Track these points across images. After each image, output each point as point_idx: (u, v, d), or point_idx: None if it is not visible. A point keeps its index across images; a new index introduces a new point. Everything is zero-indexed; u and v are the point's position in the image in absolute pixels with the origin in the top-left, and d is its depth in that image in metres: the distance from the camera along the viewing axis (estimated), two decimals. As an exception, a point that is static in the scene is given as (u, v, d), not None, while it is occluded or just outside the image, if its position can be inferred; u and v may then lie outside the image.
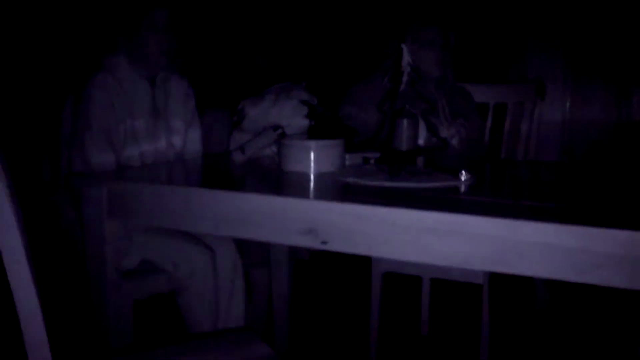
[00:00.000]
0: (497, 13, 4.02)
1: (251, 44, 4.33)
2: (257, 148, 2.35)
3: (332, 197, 1.77)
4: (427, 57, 2.94)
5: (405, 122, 1.97)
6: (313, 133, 2.34)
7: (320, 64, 4.43)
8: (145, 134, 2.60)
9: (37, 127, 2.79)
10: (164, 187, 1.88)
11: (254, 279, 2.89)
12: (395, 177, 1.87)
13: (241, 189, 1.85)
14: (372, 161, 2.12)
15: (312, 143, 2.00)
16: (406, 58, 2.03)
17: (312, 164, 1.98)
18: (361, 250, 1.55)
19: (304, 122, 2.43)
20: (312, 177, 1.96)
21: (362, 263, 2.88)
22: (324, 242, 1.53)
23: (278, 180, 2.04)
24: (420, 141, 2.32)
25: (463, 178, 1.84)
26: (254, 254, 2.86)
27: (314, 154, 1.98)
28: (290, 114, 2.44)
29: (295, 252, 3.11)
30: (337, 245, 1.53)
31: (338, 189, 1.85)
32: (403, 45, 2.04)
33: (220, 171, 2.41)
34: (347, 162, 2.11)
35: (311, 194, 1.78)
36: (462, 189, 1.80)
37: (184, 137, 2.74)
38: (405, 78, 2.02)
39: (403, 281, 3.15)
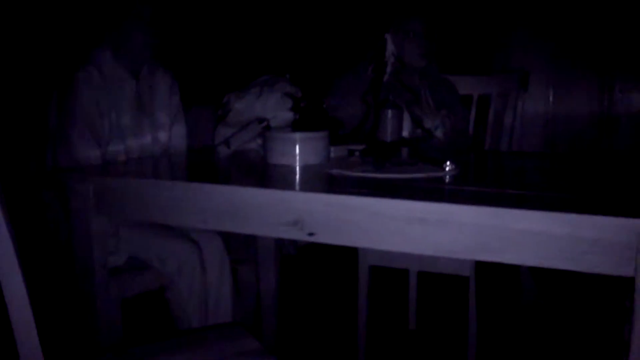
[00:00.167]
0: (482, 4, 4.02)
1: (235, 37, 4.32)
2: (242, 141, 2.34)
3: (317, 188, 1.76)
4: (411, 48, 2.93)
5: (389, 112, 1.97)
6: (298, 125, 2.33)
7: (305, 56, 4.42)
8: (131, 128, 2.60)
9: (23, 120, 2.78)
10: (150, 181, 1.88)
11: (241, 276, 2.89)
12: (380, 168, 1.87)
13: (227, 182, 1.84)
14: (357, 153, 2.12)
15: (297, 135, 1.99)
16: (390, 48, 2.03)
17: (297, 156, 1.97)
18: (347, 241, 1.55)
19: (289, 115, 2.43)
20: (297, 169, 1.95)
21: (349, 257, 2.88)
22: (310, 234, 1.53)
23: (264, 172, 2.03)
24: (405, 133, 2.32)
25: (448, 168, 1.84)
26: (240, 250, 2.85)
27: (299, 146, 1.97)
28: (274, 106, 2.43)
29: (282, 248, 3.11)
30: (324, 236, 1.53)
31: (323, 180, 1.84)
32: (387, 36, 2.04)
33: (206, 165, 2.40)
34: (332, 155, 2.11)
35: (297, 186, 1.77)
36: (447, 179, 1.80)
37: (169, 131, 2.74)
38: (389, 68, 2.02)
39: (390, 275, 3.15)
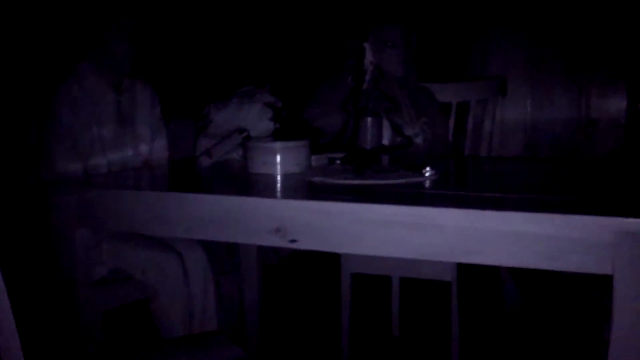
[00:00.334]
0: (458, 11, 4.06)
1: (215, 49, 4.33)
2: (223, 152, 2.35)
3: (299, 196, 1.77)
4: (389, 57, 2.95)
5: (369, 120, 1.98)
6: (278, 135, 2.34)
7: (284, 67, 4.44)
8: (112, 141, 2.60)
9: (4, 134, 2.78)
10: (133, 192, 1.89)
11: (224, 287, 2.89)
12: (360, 175, 1.89)
13: (209, 191, 1.85)
14: (337, 161, 2.13)
15: (278, 144, 2.00)
16: (369, 57, 2.04)
17: (278, 165, 1.98)
18: (329, 247, 1.56)
19: (269, 125, 2.44)
20: (278, 177, 1.96)
21: (331, 265, 2.88)
22: (292, 241, 1.54)
23: (245, 181, 2.04)
24: (385, 141, 2.34)
25: (428, 174, 1.85)
26: (223, 261, 2.86)
27: (280, 155, 1.98)
28: (255, 117, 2.44)
29: (264, 258, 3.11)
30: (306, 243, 1.54)
31: (305, 188, 1.85)
32: (365, 44, 2.06)
33: (187, 175, 2.40)
34: (313, 163, 2.12)
35: (278, 194, 1.79)
36: (428, 184, 1.82)
37: (150, 144, 2.75)
38: (368, 77, 2.03)
39: (373, 282, 3.15)
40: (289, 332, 3.56)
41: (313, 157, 2.13)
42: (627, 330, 1.26)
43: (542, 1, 3.78)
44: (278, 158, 1.98)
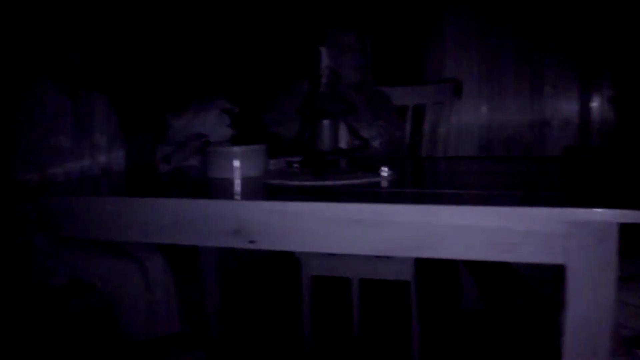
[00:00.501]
0: (414, 14, 4.10)
1: (172, 59, 4.32)
2: (182, 158, 2.36)
3: (257, 197, 1.79)
4: (346, 62, 2.98)
5: (326, 123, 2.01)
6: (236, 140, 2.36)
7: (242, 74, 4.44)
8: (70, 151, 2.60)
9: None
10: (92, 198, 1.88)
11: (185, 294, 2.90)
12: (318, 177, 1.91)
13: (168, 196, 1.85)
14: (295, 165, 2.15)
15: (236, 149, 2.02)
16: (325, 61, 2.06)
17: (236, 170, 2.00)
18: (289, 246, 1.59)
19: (227, 131, 2.45)
20: (237, 181, 1.98)
21: (291, 269, 2.90)
22: (251, 242, 1.55)
23: (204, 186, 2.05)
24: (342, 144, 2.36)
25: (385, 174, 1.88)
26: (183, 270, 2.87)
27: (238, 160, 2.00)
28: (213, 123, 2.45)
29: (223, 263, 3.12)
30: (265, 243, 1.55)
31: (263, 190, 1.87)
32: (322, 48, 2.08)
33: (146, 181, 2.39)
34: (271, 167, 2.14)
35: (237, 196, 1.80)
36: (385, 184, 1.84)
37: (107, 154, 2.75)
38: (324, 80, 2.05)
39: (332, 284, 3.18)
40: (250, 335, 3.57)
41: (271, 162, 2.15)
42: (581, 318, 1.30)
43: (495, 4, 3.84)
44: (236, 162, 2.00)
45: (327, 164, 2.00)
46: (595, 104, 3.74)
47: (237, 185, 1.93)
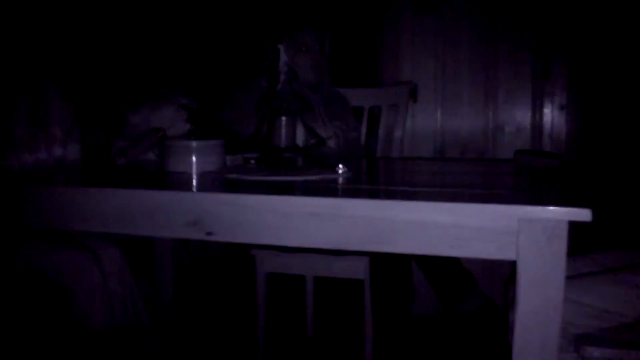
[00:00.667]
0: (370, 16, 4.13)
1: (129, 53, 4.30)
2: (139, 152, 2.36)
3: (215, 190, 1.79)
4: (303, 62, 3.00)
5: (283, 119, 2.03)
6: (194, 136, 2.36)
7: (200, 70, 4.44)
8: (24, 141, 2.58)
9: None
10: (49, 188, 1.86)
11: (139, 288, 2.89)
12: (275, 173, 1.92)
13: (127, 187, 1.85)
14: (252, 161, 2.16)
15: (195, 143, 2.02)
16: (283, 58, 2.08)
17: (193, 164, 2.00)
18: (246, 239, 1.59)
19: (184, 126, 2.46)
20: (194, 175, 1.98)
21: (246, 266, 2.91)
22: (209, 233, 1.56)
23: (162, 179, 2.04)
24: (298, 142, 2.38)
25: (340, 171, 1.90)
26: (139, 264, 2.86)
27: (196, 154, 2.00)
28: (170, 118, 2.46)
29: (177, 260, 3.12)
30: (222, 235, 1.56)
31: (221, 184, 1.87)
32: (280, 46, 2.10)
33: (103, 174, 2.38)
34: (228, 163, 2.15)
35: (195, 188, 1.80)
36: (341, 180, 1.86)
37: (63, 146, 2.73)
38: (282, 77, 2.07)
39: (288, 282, 3.19)
40: (204, 333, 3.57)
41: (228, 157, 2.15)
42: (531, 314, 1.32)
43: (453, 9, 3.88)
44: (194, 156, 2.00)
45: (284, 160, 2.02)
46: (547, 110, 3.81)
47: (195, 180, 1.93)
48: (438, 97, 3.92)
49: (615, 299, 1.94)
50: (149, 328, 2.80)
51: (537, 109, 3.84)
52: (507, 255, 1.34)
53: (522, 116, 3.85)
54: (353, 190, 1.77)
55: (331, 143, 2.89)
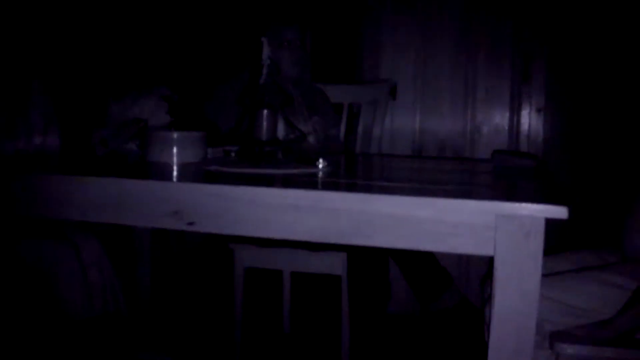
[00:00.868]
0: (351, 13, 4.14)
1: (112, 44, 4.29)
2: (120, 141, 2.36)
3: (197, 180, 1.80)
4: (284, 56, 3.01)
5: (265, 112, 2.04)
6: (175, 127, 2.37)
7: (183, 63, 4.43)
8: (3, 129, 2.57)
9: None
10: (29, 176, 1.84)
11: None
12: (256, 166, 1.93)
13: (108, 175, 1.85)
14: (233, 154, 2.17)
15: (177, 134, 2.03)
16: (266, 51, 2.09)
17: (174, 155, 2.00)
18: (226, 230, 1.59)
19: (166, 118, 2.46)
20: (175, 166, 1.99)
21: (225, 259, 2.92)
22: (190, 224, 1.56)
23: (143, 169, 2.04)
24: (279, 136, 2.39)
25: (321, 166, 1.92)
26: (117, 257, 2.87)
27: (177, 145, 2.00)
28: (151, 109, 2.46)
29: (156, 252, 3.12)
30: (203, 225, 1.57)
31: (202, 175, 1.88)
32: (263, 39, 2.11)
33: (83, 163, 2.34)
34: (209, 155, 2.15)
35: (176, 178, 1.81)
36: (321, 175, 1.88)
37: (42, 135, 2.72)
38: (265, 71, 2.08)
39: (266, 277, 3.19)
40: (181, 323, 3.57)
41: (209, 150, 2.16)
42: (507, 309, 1.34)
43: (433, 10, 3.91)
44: (175, 148, 2.00)
45: (265, 153, 2.03)
46: (525, 112, 3.84)
47: (176, 170, 1.94)
48: (417, 96, 3.94)
49: (589, 296, 1.97)
50: (128, 318, 2.81)
51: (515, 111, 3.88)
52: (484, 250, 1.35)
53: (500, 117, 3.89)
54: (333, 183, 1.79)
55: (311, 138, 2.90)
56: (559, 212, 1.29)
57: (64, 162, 2.49)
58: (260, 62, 2.10)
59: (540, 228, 1.31)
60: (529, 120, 3.85)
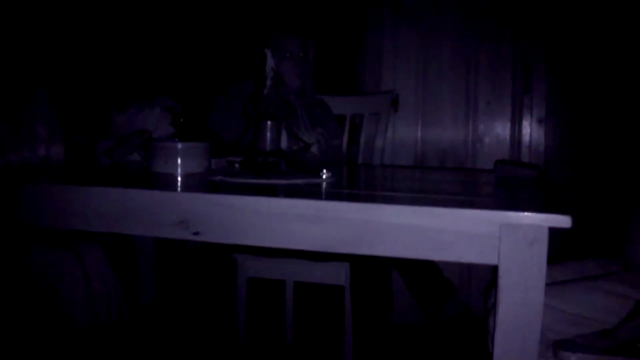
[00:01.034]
0: (352, 24, 4.15)
1: (115, 55, 4.30)
2: (124, 152, 2.37)
3: (202, 190, 1.80)
4: (287, 68, 3.02)
5: (269, 123, 2.04)
6: (179, 137, 2.38)
7: (185, 73, 4.44)
8: (8, 140, 2.59)
9: None
10: (36, 185, 1.86)
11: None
12: (260, 176, 1.94)
13: (113, 185, 1.85)
14: (236, 165, 2.18)
15: (180, 144, 2.04)
16: (270, 63, 2.10)
17: (179, 165, 2.01)
18: (232, 239, 1.60)
19: (169, 129, 2.47)
20: (180, 177, 1.99)
21: (228, 270, 2.92)
22: (195, 233, 1.57)
23: (148, 179, 2.05)
24: (282, 147, 2.40)
25: (324, 176, 1.92)
26: (121, 267, 2.87)
27: (181, 155, 2.01)
28: (155, 120, 2.47)
29: (159, 262, 3.13)
30: (208, 235, 1.57)
31: (207, 185, 1.89)
32: (267, 50, 2.12)
33: (88, 173, 2.37)
34: (213, 166, 2.16)
35: (181, 188, 1.81)
36: (325, 185, 1.88)
37: (47, 146, 2.74)
38: (269, 82, 2.09)
39: (269, 286, 3.19)
40: (185, 333, 3.57)
41: (213, 161, 2.17)
42: (511, 318, 1.35)
43: (434, 21, 3.92)
44: (180, 158, 2.02)
45: (268, 164, 2.04)
46: (526, 122, 3.86)
47: (182, 179, 1.94)
48: (419, 107, 3.96)
49: (591, 306, 1.98)
50: (131, 327, 2.81)
51: (516, 122, 3.89)
52: (488, 259, 1.36)
53: (502, 128, 3.90)
54: (337, 194, 1.79)
55: (314, 149, 2.91)
56: (563, 221, 1.30)
57: (68, 172, 2.49)
58: (264, 73, 2.11)
59: (544, 237, 1.31)
60: (530, 130, 3.86)
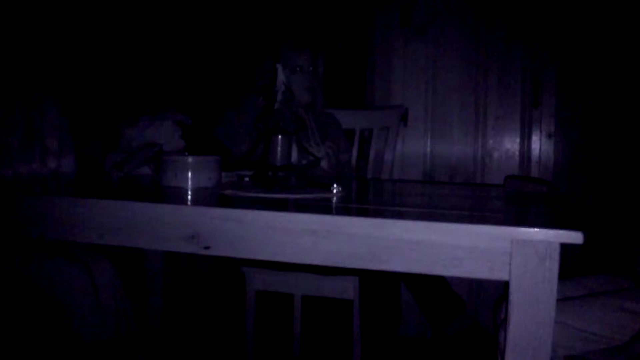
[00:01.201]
0: (362, 39, 4.17)
1: (125, 68, 4.32)
2: (134, 165, 2.38)
3: (213, 204, 1.80)
4: (297, 82, 3.02)
5: (280, 138, 2.05)
6: (190, 151, 2.38)
7: (195, 86, 4.46)
8: (19, 153, 2.59)
9: None
10: (44, 198, 1.86)
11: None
12: (270, 190, 1.94)
13: (124, 198, 1.86)
14: (246, 179, 2.18)
15: (190, 158, 2.04)
16: (281, 77, 2.11)
17: (189, 179, 2.02)
18: (243, 254, 1.60)
19: (180, 143, 2.48)
20: (190, 190, 2.00)
21: (236, 284, 2.92)
22: (206, 247, 1.57)
23: (159, 192, 2.05)
24: (292, 161, 2.40)
25: (335, 190, 1.93)
26: (129, 280, 2.88)
27: (192, 169, 2.02)
28: (165, 134, 2.48)
29: (167, 276, 3.13)
30: (219, 249, 1.57)
31: (217, 199, 1.89)
32: (278, 65, 2.12)
33: (98, 186, 2.36)
34: (223, 180, 2.17)
35: (192, 202, 1.82)
36: (335, 199, 1.89)
37: (58, 158, 2.74)
38: (279, 96, 2.10)
39: (277, 300, 3.19)
40: (193, 346, 3.57)
41: (223, 174, 2.17)
42: (522, 333, 1.34)
43: (442, 35, 3.93)
44: (190, 172, 2.02)
45: (279, 178, 2.04)
46: (535, 137, 3.86)
47: (193, 193, 1.95)
48: (428, 121, 3.96)
49: (602, 322, 1.97)
50: (139, 340, 2.81)
51: (525, 136, 3.89)
52: (499, 275, 1.36)
53: (511, 143, 3.90)
54: (348, 208, 1.79)
55: (323, 164, 2.92)
56: (575, 237, 1.30)
57: (79, 185, 2.50)
58: (275, 87, 2.11)
59: (556, 253, 1.32)
60: (540, 145, 3.86)
